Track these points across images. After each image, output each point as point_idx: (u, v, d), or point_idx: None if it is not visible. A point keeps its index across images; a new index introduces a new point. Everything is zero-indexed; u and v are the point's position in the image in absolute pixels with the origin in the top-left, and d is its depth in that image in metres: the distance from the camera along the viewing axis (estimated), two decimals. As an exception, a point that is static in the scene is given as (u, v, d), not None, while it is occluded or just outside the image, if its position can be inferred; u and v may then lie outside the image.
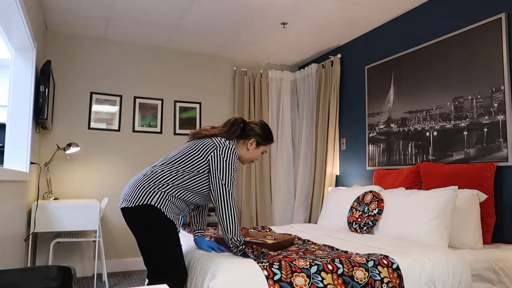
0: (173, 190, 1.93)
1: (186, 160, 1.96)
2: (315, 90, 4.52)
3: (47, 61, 3.24)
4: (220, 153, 1.95)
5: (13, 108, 2.90)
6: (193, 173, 1.95)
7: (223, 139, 2.00)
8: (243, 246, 1.95)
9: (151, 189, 1.90)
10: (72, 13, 3.60)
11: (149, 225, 1.89)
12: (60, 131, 4.01)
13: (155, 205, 1.88)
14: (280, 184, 4.75)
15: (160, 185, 1.91)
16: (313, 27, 3.87)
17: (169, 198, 1.92)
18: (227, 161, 1.94)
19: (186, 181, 1.95)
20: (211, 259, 1.92)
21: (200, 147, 1.99)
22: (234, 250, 1.96)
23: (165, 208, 1.90)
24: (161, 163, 1.99)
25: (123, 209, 1.94)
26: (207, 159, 1.96)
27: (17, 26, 2.46)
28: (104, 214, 4.11)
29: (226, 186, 1.92)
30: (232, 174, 1.94)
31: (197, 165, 1.96)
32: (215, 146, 1.97)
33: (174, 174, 1.94)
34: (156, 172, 1.95)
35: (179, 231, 2.02)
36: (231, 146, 1.98)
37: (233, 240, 1.92)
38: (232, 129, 2.06)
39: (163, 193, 1.90)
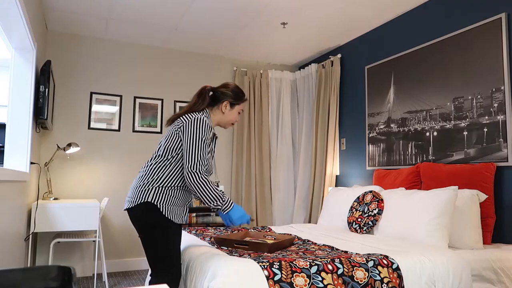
0: (168, 182, 1.94)
1: (167, 147, 1.98)
2: (315, 90, 4.52)
3: (47, 61, 3.24)
4: (188, 127, 1.94)
5: (13, 108, 2.90)
6: (177, 158, 1.96)
7: (190, 114, 1.99)
8: (229, 200, 1.93)
9: (146, 187, 1.93)
10: (72, 13, 3.60)
11: (144, 222, 1.93)
12: (60, 131, 4.01)
13: (152, 201, 1.90)
14: (280, 184, 4.75)
15: (154, 181, 1.93)
16: (313, 27, 3.87)
17: (166, 191, 1.93)
18: (196, 133, 1.92)
19: (175, 168, 1.96)
20: (211, 259, 1.92)
21: (173, 129, 2.01)
22: (223, 208, 1.93)
23: (163, 203, 1.91)
24: (151, 159, 2.03)
25: (127, 211, 2.00)
26: (180, 138, 1.97)
27: (17, 26, 2.46)
28: (104, 214, 4.11)
29: (194, 163, 1.88)
30: (201, 145, 1.91)
31: (176, 148, 1.97)
32: (183, 123, 1.97)
33: (163, 165, 1.96)
34: (148, 169, 1.98)
35: (184, 222, 2.03)
36: (198, 116, 1.96)
37: (218, 205, 1.91)
38: (199, 99, 2.08)
39: (158, 188, 1.92)
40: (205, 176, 1.89)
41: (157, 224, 1.91)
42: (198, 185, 1.88)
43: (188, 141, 1.91)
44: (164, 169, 1.95)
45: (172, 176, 1.95)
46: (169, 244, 1.95)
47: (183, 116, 2.00)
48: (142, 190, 1.93)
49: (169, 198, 1.93)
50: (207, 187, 1.88)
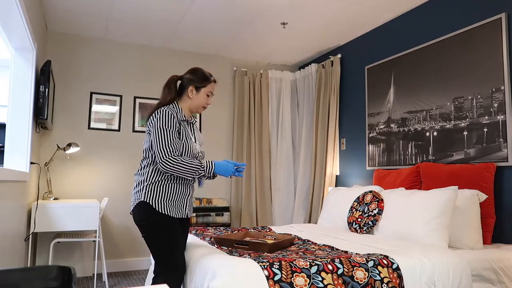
0: (157, 178, 1.98)
1: (146, 148, 2.04)
2: (315, 90, 4.52)
3: (47, 61, 3.24)
4: (151, 124, 1.98)
5: (13, 108, 2.90)
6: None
7: (157, 110, 2.01)
8: (208, 163, 1.96)
9: (139, 187, 1.99)
10: (72, 13, 3.60)
11: (142, 222, 1.98)
12: (60, 131, 4.01)
13: (145, 200, 1.95)
14: (280, 184, 4.75)
15: (144, 180, 1.98)
16: (313, 27, 3.87)
17: (158, 188, 1.96)
18: (158, 125, 1.95)
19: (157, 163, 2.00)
20: (211, 259, 1.92)
21: (146, 130, 2.07)
22: (207, 173, 1.96)
23: (155, 199, 1.94)
24: (140, 162, 2.09)
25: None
26: (150, 137, 2.01)
27: (17, 26, 2.46)
28: (104, 214, 4.11)
29: (163, 153, 1.90)
30: (165, 135, 1.93)
31: (152, 146, 2.01)
32: (149, 120, 2.02)
33: (149, 164, 2.01)
34: (139, 171, 2.05)
35: (185, 216, 2.03)
36: (158, 110, 1.98)
37: (201, 173, 1.94)
38: (165, 91, 2.10)
39: (149, 185, 1.97)
40: (176, 157, 1.91)
41: (154, 222, 1.95)
42: (174, 168, 1.90)
43: (154, 136, 1.95)
44: (150, 167, 2.00)
45: (159, 173, 1.99)
46: (168, 241, 1.96)
47: (152, 114, 2.04)
48: (137, 191, 1.99)
49: (162, 194, 1.96)
50: (182, 165, 1.91)
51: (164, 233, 1.95)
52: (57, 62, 4.04)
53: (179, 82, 2.14)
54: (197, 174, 1.93)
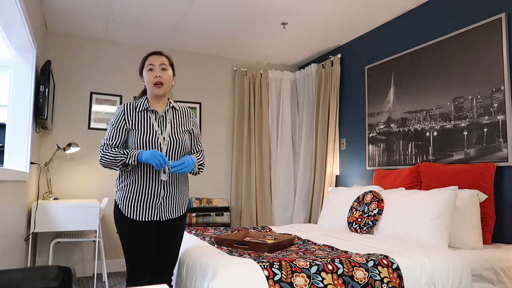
0: (122, 176, 2.02)
1: None
2: (315, 90, 4.52)
3: (47, 61, 3.24)
4: None
5: (13, 108, 2.90)
6: None
7: None
8: (130, 156, 1.92)
9: (115, 185, 2.07)
10: (72, 13, 3.60)
11: (114, 220, 2.05)
12: (60, 131, 4.01)
13: (116, 200, 2.02)
14: (280, 184, 4.75)
15: (117, 179, 2.06)
16: (313, 27, 3.87)
17: (123, 188, 1.99)
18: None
19: None
20: (211, 259, 1.92)
21: None
22: (129, 158, 1.92)
23: (120, 199, 1.98)
24: None
25: None
26: None
27: (17, 26, 2.46)
28: (104, 214, 4.10)
29: (100, 145, 2.01)
30: (107, 129, 2.02)
31: None
32: None
33: None
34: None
35: (147, 219, 1.95)
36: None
37: (123, 159, 1.93)
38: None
39: (118, 184, 2.03)
40: (103, 149, 1.97)
41: (117, 220, 1.99)
42: (101, 159, 1.97)
43: None
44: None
45: (122, 172, 2.03)
46: (127, 242, 1.97)
47: None
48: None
49: (126, 194, 1.98)
50: (105, 154, 1.96)
51: (124, 235, 1.97)
52: (57, 62, 4.04)
53: None
54: (118, 161, 1.93)
